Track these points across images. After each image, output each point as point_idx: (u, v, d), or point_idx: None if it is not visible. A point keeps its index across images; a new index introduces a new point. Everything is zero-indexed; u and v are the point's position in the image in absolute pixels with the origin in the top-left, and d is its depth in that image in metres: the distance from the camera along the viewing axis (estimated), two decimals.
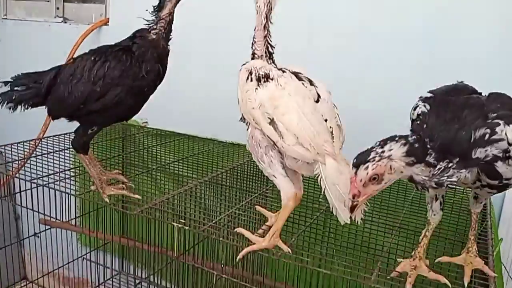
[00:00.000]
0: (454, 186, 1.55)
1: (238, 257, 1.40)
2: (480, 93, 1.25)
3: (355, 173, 1.08)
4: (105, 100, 1.58)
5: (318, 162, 1.28)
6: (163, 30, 1.64)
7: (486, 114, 1.09)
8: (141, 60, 1.59)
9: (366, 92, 2.22)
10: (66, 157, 2.10)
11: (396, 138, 1.08)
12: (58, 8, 3.23)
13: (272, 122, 1.30)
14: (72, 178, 1.90)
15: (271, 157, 1.37)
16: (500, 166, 1.08)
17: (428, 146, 1.08)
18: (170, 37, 1.68)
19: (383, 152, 1.07)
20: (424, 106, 1.18)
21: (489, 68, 1.99)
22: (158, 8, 1.65)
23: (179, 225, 1.45)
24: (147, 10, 1.71)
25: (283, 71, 1.37)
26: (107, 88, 1.56)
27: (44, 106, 1.71)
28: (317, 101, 1.34)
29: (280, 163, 1.37)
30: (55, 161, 2.00)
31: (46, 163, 1.95)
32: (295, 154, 1.30)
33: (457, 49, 2.04)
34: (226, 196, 2.13)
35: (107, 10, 2.98)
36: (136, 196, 1.71)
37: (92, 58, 1.59)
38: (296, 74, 1.38)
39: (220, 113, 2.32)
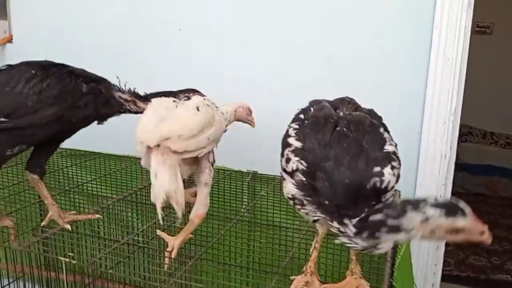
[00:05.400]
0: None
1: None
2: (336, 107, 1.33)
3: None
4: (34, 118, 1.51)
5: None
6: (125, 108, 1.75)
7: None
8: (84, 93, 1.60)
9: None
10: None
11: None
12: None
13: None
14: None
15: None
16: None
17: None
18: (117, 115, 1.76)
19: None
20: (300, 163, 1.17)
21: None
22: (141, 99, 1.74)
23: (66, 260, 1.45)
24: None
25: None
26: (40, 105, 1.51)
27: None
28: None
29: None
30: None
31: None
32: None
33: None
34: (144, 214, 2.15)
35: (11, 26, 2.91)
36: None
37: (33, 72, 1.53)
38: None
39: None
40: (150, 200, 2.10)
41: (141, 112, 1.66)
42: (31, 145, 1.63)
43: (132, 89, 1.75)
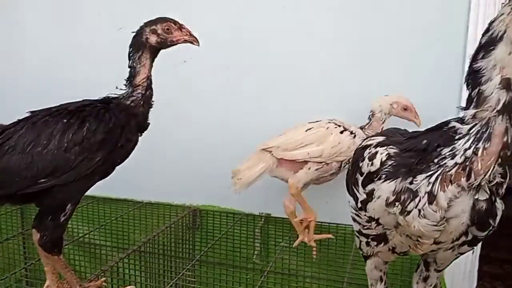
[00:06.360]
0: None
1: None
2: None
3: None
4: (79, 170, 1.32)
5: None
6: (140, 97, 1.44)
7: None
8: (122, 126, 1.38)
9: None
10: None
11: None
12: None
13: None
14: None
15: None
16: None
17: None
18: (152, 102, 1.48)
19: None
20: (391, 148, 1.05)
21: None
22: (131, 77, 1.45)
23: None
24: None
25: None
26: (84, 155, 1.32)
27: None
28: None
29: None
30: None
31: None
32: None
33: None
34: (154, 268, 1.95)
35: None
36: None
37: (65, 120, 1.33)
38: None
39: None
40: (160, 252, 2.00)
41: (145, 92, 1.44)
42: (78, 201, 1.43)
43: (125, 87, 1.47)
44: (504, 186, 0.98)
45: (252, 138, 2.12)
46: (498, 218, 0.98)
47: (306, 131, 1.78)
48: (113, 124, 1.34)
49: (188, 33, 1.45)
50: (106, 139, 1.33)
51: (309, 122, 1.83)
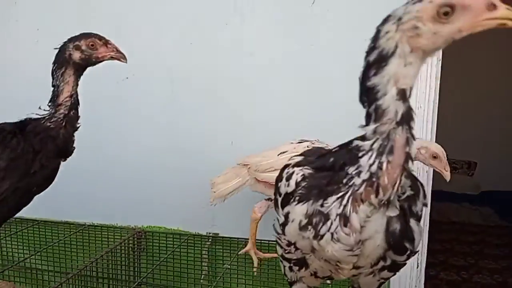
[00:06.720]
0: None
1: None
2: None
3: None
4: None
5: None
6: (62, 117, 1.34)
7: None
8: (35, 151, 1.30)
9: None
10: None
11: None
12: None
13: None
14: None
15: None
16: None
17: None
18: (78, 124, 1.39)
19: None
20: (306, 169, 1.02)
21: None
22: (54, 96, 1.36)
23: None
24: None
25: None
26: None
27: None
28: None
29: None
30: None
31: None
32: None
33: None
34: None
35: None
36: None
37: None
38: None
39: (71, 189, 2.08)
40: (103, 276, 1.93)
41: (68, 112, 1.36)
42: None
43: (48, 107, 1.38)
44: (418, 204, 0.98)
45: (198, 156, 2.10)
46: (416, 242, 0.97)
47: (278, 155, 1.74)
48: (21, 150, 1.27)
49: (114, 49, 1.38)
50: (11, 166, 1.26)
51: (299, 141, 1.76)
